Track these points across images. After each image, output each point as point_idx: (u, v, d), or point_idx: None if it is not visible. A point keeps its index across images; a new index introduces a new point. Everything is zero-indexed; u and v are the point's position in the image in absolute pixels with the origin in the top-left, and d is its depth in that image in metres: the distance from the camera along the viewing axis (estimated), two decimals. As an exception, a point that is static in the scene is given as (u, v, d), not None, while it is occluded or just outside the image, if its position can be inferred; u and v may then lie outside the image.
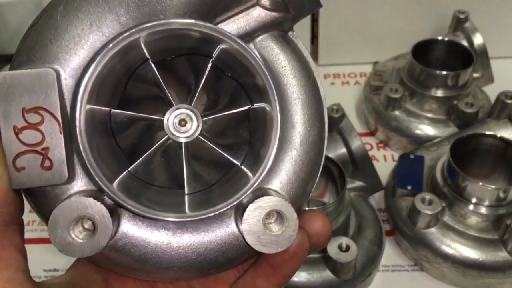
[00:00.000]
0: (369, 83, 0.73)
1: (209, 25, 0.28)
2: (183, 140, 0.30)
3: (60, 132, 0.26)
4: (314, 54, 0.87)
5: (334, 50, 0.86)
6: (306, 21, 0.82)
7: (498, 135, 0.52)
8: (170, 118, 0.30)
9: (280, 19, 0.30)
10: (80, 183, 0.28)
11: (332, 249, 0.48)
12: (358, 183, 0.59)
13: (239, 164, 0.30)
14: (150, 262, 0.29)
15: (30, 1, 0.85)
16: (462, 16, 0.72)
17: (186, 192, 0.29)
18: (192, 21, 0.27)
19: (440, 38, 0.71)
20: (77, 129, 0.27)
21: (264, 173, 0.28)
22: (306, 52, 0.31)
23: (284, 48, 0.30)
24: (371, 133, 0.73)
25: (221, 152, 0.30)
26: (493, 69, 0.73)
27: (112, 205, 0.27)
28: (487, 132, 0.54)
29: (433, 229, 0.52)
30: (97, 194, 0.27)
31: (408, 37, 0.72)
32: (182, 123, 0.30)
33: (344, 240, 0.49)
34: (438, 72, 0.65)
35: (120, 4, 0.27)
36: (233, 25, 0.29)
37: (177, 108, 0.30)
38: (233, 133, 0.32)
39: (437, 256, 0.51)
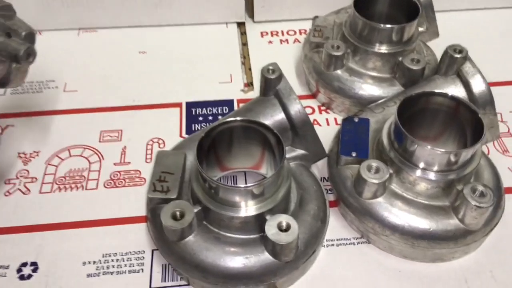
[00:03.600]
0: (309, 40, 0.66)
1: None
2: None
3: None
4: (250, 10, 0.79)
5: (271, 5, 0.78)
6: (238, -28, 0.74)
7: (449, 94, 0.48)
8: None
9: None
10: None
11: (270, 229, 0.42)
12: (299, 152, 0.53)
13: None
14: None
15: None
16: (405, -35, 0.66)
17: None
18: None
19: (383, -11, 0.65)
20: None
21: None
22: None
23: None
24: (313, 96, 0.68)
25: None
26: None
27: None
28: (437, 91, 0.49)
29: (380, 199, 0.48)
30: None
31: (349, -12, 0.66)
32: None
33: (284, 218, 0.43)
34: (382, 26, 0.59)
35: None
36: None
37: None
38: None
39: (385, 228, 0.47)
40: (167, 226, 0.43)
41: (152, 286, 0.48)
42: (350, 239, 0.52)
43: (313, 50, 0.65)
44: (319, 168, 0.58)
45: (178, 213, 0.44)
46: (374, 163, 0.47)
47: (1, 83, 0.47)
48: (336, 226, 0.52)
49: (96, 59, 0.73)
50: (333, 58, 0.61)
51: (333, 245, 0.51)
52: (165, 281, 0.48)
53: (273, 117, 0.52)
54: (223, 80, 0.70)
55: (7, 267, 0.49)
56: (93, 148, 0.60)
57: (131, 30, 0.78)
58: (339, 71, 0.62)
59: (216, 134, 0.46)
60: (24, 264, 0.49)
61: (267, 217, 0.44)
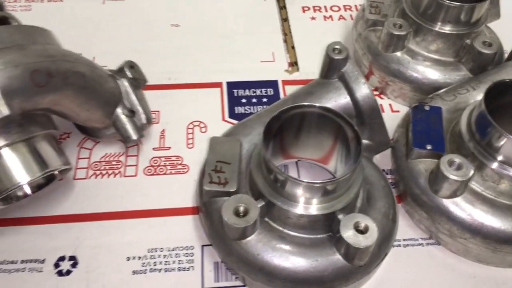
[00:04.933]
0: (363, 17, 0.60)
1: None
2: None
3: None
4: (290, -19, 0.73)
5: (314, -23, 0.72)
6: None
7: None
8: None
9: None
10: None
11: (346, 231, 0.38)
12: (363, 141, 0.48)
13: None
14: None
15: None
16: None
17: None
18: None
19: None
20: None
21: None
22: None
23: None
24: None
25: None
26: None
27: None
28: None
29: (459, 198, 0.43)
30: None
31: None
32: None
33: (361, 219, 0.38)
34: (451, 3, 0.53)
35: None
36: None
37: None
38: None
39: (464, 231, 0.43)
40: (230, 224, 0.38)
41: (204, 286, 0.43)
42: (417, 240, 0.47)
43: (369, 28, 0.59)
44: (377, 159, 0.53)
45: (241, 209, 0.39)
46: (457, 159, 0.42)
47: (90, 134, 0.51)
48: (401, 225, 0.48)
49: (124, 31, 0.67)
50: (394, 38, 0.55)
51: (399, 245, 0.47)
52: (218, 281, 0.44)
53: (337, 102, 0.47)
54: (265, 58, 0.65)
55: (42, 261, 0.44)
56: (129, 130, 0.55)
57: (161, 0, 0.72)
58: (398, 53, 0.57)
59: (286, 118, 0.41)
60: (62, 258, 0.44)
61: (340, 216, 0.39)
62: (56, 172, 0.44)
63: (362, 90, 0.46)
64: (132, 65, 0.50)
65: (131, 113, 0.47)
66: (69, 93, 0.40)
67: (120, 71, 0.49)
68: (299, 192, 0.39)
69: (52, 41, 0.44)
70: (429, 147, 0.45)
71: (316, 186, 0.38)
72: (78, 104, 0.42)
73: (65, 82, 0.39)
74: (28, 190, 0.44)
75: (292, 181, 0.38)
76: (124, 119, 0.47)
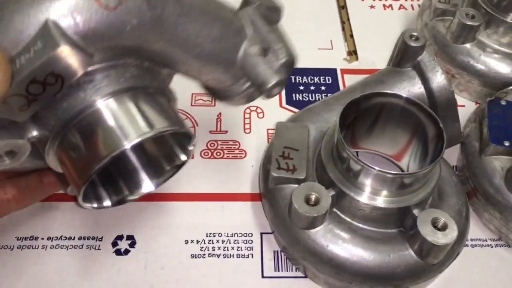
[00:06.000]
0: (430, 6, 0.58)
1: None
2: None
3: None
4: (348, -32, 0.71)
5: (375, -37, 0.69)
6: None
7: None
8: None
9: None
10: None
11: (425, 227, 0.36)
12: (434, 135, 0.46)
13: None
14: None
15: None
16: None
17: None
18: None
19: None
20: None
21: None
22: None
23: None
24: (426, 70, 0.60)
25: None
26: None
27: None
28: None
29: (538, 199, 0.41)
30: None
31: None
32: None
33: (440, 215, 0.36)
34: (529, -6, 0.51)
35: None
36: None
37: None
38: None
39: (543, 234, 0.40)
40: (301, 212, 0.37)
41: (264, 274, 0.42)
42: (486, 240, 0.45)
43: (436, 18, 0.57)
44: (442, 154, 0.51)
45: (312, 198, 0.37)
46: (540, 157, 0.40)
47: (220, 96, 0.39)
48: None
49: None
50: (466, 28, 0.53)
51: (467, 245, 0.45)
52: (278, 270, 0.42)
53: (410, 92, 0.45)
54: (323, 46, 0.63)
55: (100, 239, 0.44)
56: (186, 112, 0.54)
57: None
58: (468, 45, 0.54)
59: (363, 106, 0.39)
60: (120, 237, 0.44)
61: (415, 211, 0.37)
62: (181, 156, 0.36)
63: (440, 81, 0.44)
64: None
65: (263, 51, 0.34)
66: (159, 22, 0.29)
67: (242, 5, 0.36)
68: (374, 183, 0.37)
69: None
70: (506, 143, 0.43)
71: (393, 178, 0.36)
72: (179, 41, 0.31)
73: (149, 6, 0.28)
74: (151, 186, 0.37)
75: (368, 171, 0.36)
76: (254, 59, 0.33)
